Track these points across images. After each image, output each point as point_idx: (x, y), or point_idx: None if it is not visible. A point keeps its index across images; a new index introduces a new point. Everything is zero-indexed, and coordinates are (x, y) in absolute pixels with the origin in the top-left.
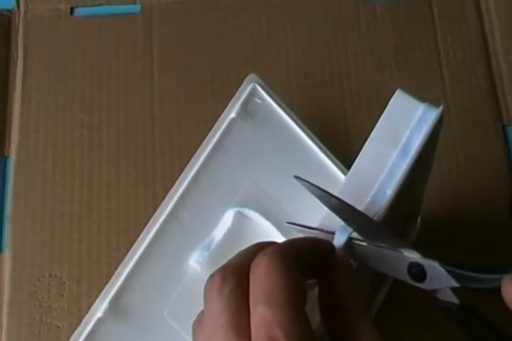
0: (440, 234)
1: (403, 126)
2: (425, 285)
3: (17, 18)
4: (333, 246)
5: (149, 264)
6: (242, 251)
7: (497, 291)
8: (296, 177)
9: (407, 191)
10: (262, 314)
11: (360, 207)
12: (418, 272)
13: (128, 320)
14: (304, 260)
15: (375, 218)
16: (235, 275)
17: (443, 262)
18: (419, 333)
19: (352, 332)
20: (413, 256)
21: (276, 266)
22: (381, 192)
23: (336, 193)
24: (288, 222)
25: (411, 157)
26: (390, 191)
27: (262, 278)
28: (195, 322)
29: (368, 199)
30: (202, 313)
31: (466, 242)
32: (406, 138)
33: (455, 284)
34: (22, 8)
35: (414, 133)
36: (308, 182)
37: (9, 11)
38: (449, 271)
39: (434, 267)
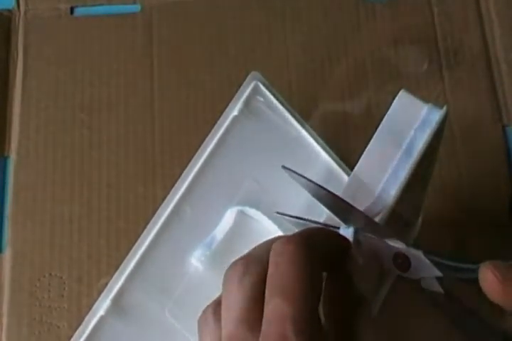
0: (440, 234)
1: (407, 127)
2: (410, 275)
3: (17, 18)
4: (349, 241)
5: (151, 263)
6: (263, 243)
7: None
8: (284, 167)
9: (411, 191)
10: (276, 306)
11: (363, 208)
12: (403, 262)
13: (130, 318)
14: (326, 254)
15: (378, 218)
16: (258, 266)
17: (426, 252)
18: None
19: (358, 330)
20: (398, 246)
21: (302, 258)
22: (385, 193)
23: (339, 193)
24: (277, 212)
25: (414, 158)
26: (393, 191)
27: (284, 268)
28: (202, 314)
29: (372, 200)
30: (211, 305)
31: (466, 242)
32: (410, 138)
33: (438, 274)
34: (22, 8)
35: (418, 134)
36: (294, 172)
37: (9, 11)
38: (432, 261)
39: (418, 257)
